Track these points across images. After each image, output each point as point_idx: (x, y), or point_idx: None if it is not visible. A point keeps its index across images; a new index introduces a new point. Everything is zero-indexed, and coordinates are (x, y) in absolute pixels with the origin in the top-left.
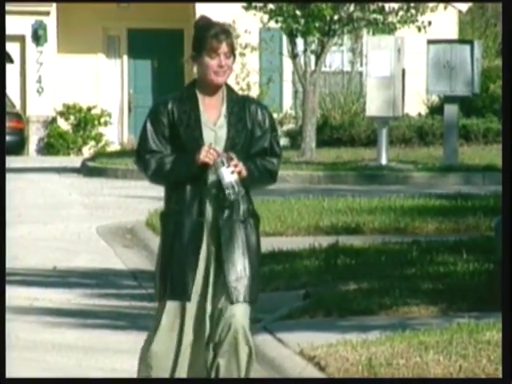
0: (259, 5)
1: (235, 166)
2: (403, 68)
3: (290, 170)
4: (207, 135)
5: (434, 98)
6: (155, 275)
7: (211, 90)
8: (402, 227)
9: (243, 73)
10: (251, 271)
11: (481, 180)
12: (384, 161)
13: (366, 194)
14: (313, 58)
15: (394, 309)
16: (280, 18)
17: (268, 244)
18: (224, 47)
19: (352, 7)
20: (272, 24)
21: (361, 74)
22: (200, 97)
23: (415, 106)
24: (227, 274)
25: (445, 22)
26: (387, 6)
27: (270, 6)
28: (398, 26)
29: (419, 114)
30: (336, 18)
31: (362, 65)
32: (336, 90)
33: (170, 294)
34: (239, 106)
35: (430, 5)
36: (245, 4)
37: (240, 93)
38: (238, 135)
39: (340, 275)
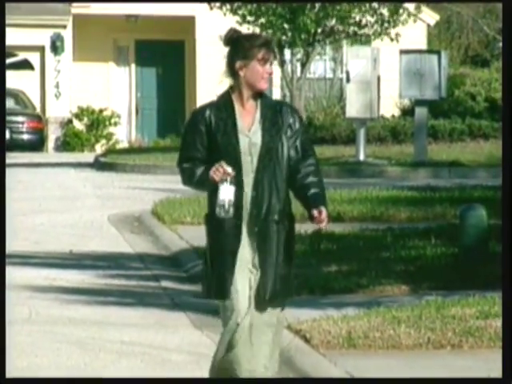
0: (251, 19)
1: (322, 219)
2: (378, 75)
3: None
4: (242, 141)
5: (406, 102)
6: (204, 273)
7: (253, 96)
8: (378, 215)
9: None
10: (283, 271)
11: (447, 174)
12: (362, 157)
13: (345, 187)
14: (299, 66)
15: (370, 288)
16: (270, 31)
17: None
18: (271, 56)
19: (333, 21)
20: None
21: (341, 80)
22: (236, 104)
23: (389, 108)
24: (263, 275)
25: (415, 34)
26: (364, 20)
27: (262, 20)
28: (373, 37)
29: (393, 116)
30: (319, 30)
31: (342, 72)
32: (319, 95)
33: (214, 294)
34: (272, 111)
35: (402, 18)
36: (239, 19)
37: None
38: (272, 140)
39: (323, 258)
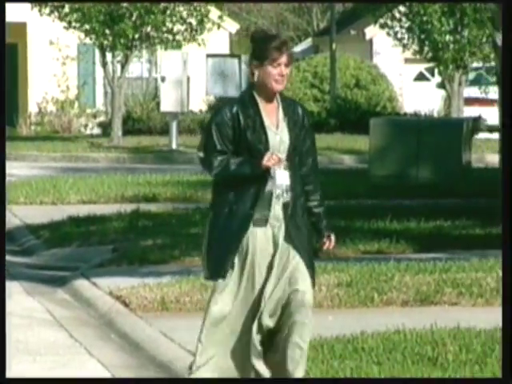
0: (77, 25)
1: (331, 246)
2: (188, 75)
3: (101, 153)
4: (273, 138)
5: (212, 98)
6: (205, 255)
7: (269, 96)
8: (188, 197)
9: (64, 77)
10: (312, 258)
11: None
12: (174, 146)
13: (160, 172)
14: (119, 66)
15: (181, 259)
16: (93, 36)
17: (85, 210)
18: (284, 58)
19: (149, 28)
20: (87, 40)
21: (156, 79)
22: (259, 102)
23: (197, 104)
24: (302, 260)
25: (219, 40)
26: (175, 28)
27: (86, 26)
28: (183, 43)
29: (200, 110)
30: (137, 36)
31: (156, 72)
32: (137, 92)
33: (215, 273)
34: (291, 109)
35: (208, 26)
36: (66, 25)
37: (62, 94)
38: (297, 138)
39: (140, 234)
